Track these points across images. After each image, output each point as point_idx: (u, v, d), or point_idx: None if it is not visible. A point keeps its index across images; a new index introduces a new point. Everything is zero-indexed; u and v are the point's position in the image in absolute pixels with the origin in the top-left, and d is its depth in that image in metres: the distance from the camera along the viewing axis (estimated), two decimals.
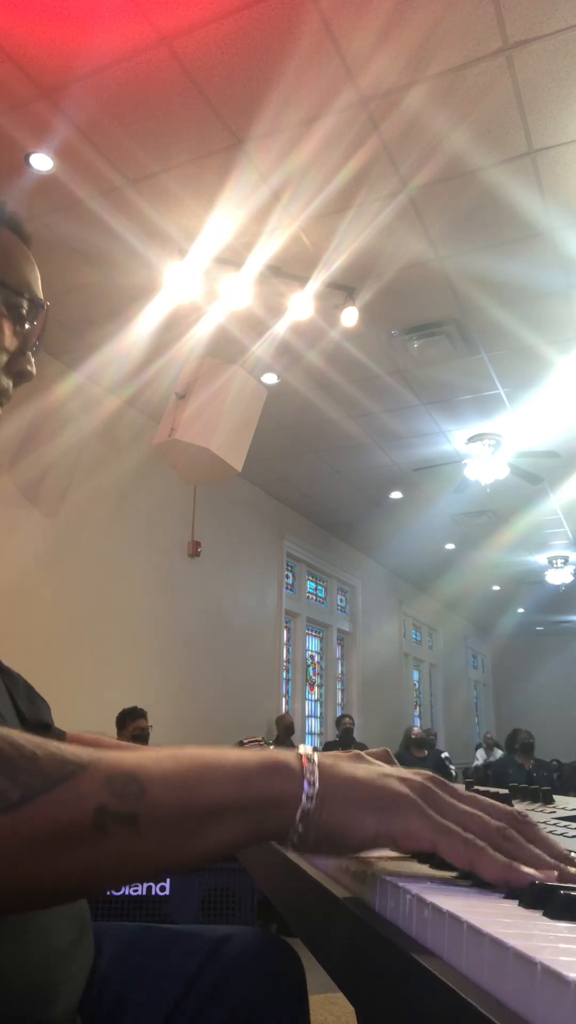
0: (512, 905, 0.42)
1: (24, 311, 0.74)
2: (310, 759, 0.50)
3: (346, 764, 0.51)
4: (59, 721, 0.84)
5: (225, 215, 3.35)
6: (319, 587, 8.40)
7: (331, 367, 4.72)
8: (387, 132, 2.91)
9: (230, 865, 2.50)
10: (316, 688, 8.15)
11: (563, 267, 3.70)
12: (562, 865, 0.47)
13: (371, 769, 0.51)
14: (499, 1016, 0.30)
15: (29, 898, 0.44)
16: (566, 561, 9.11)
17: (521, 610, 12.26)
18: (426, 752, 7.42)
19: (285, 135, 2.93)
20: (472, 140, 2.93)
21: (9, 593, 4.11)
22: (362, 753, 0.56)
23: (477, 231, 3.47)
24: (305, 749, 0.51)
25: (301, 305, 3.78)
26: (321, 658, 8.31)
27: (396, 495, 7.14)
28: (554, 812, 0.80)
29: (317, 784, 0.48)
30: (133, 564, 5.17)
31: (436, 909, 0.39)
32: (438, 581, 10.32)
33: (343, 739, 7.18)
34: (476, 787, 0.88)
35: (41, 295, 0.76)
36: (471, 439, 5.76)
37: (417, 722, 10.50)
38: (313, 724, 8.01)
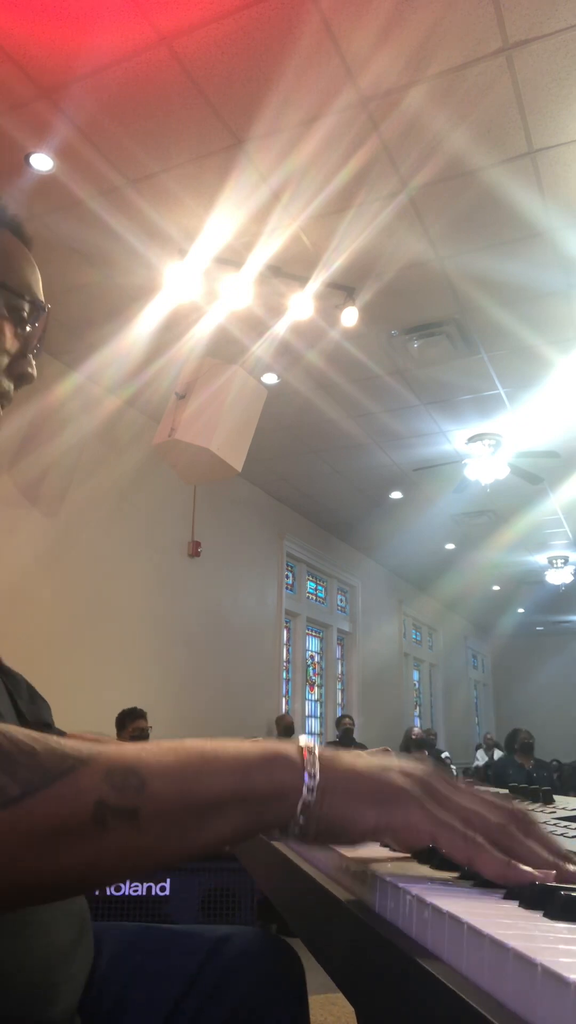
0: (512, 906, 0.42)
1: (25, 313, 0.74)
2: (311, 751, 0.49)
3: (346, 756, 0.51)
4: (59, 721, 0.84)
5: (225, 215, 3.35)
6: (319, 587, 8.39)
7: (331, 367, 4.72)
8: (387, 132, 2.91)
9: (230, 865, 2.50)
10: (316, 688, 8.15)
11: (563, 267, 3.70)
12: (561, 863, 0.47)
13: (372, 762, 0.51)
14: (499, 1017, 0.29)
15: (29, 893, 0.44)
16: (566, 561, 9.11)
17: (521, 610, 12.26)
18: (426, 753, 7.42)
19: (285, 135, 2.93)
20: (472, 140, 2.93)
21: (9, 593, 4.11)
22: (362, 754, 0.56)
23: (477, 231, 3.46)
24: (305, 740, 0.51)
25: (301, 305, 3.78)
26: (321, 658, 8.31)
27: (396, 495, 7.14)
28: (554, 812, 0.80)
29: (318, 776, 0.48)
30: (133, 564, 5.17)
31: (436, 910, 0.39)
32: (438, 581, 10.32)
33: (343, 739, 7.18)
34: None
35: (42, 297, 0.76)
36: (471, 439, 5.76)
37: (417, 722, 10.50)
38: (313, 724, 8.00)
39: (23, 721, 0.74)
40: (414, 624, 11.09)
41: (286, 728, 6.36)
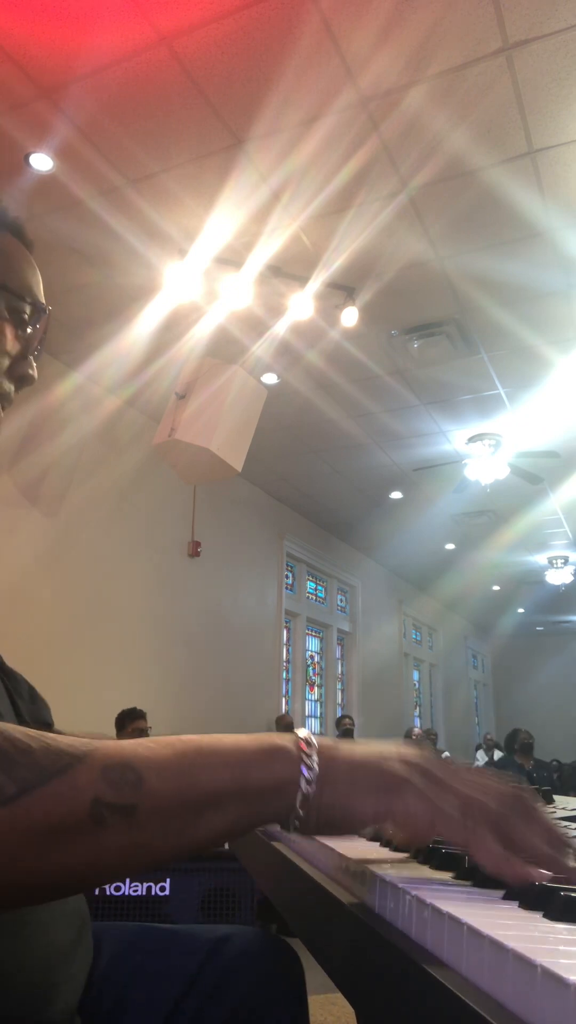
0: (512, 906, 0.42)
1: (26, 315, 0.74)
2: (309, 743, 0.49)
3: (345, 746, 0.51)
4: (59, 721, 0.84)
5: (225, 215, 3.35)
6: (319, 587, 8.39)
7: (331, 367, 4.71)
8: (387, 132, 2.91)
9: (230, 865, 2.50)
10: (316, 688, 8.15)
11: (563, 267, 3.70)
12: (559, 856, 0.47)
13: (371, 750, 0.51)
14: (499, 1018, 0.29)
15: (28, 892, 0.44)
16: (566, 561, 9.10)
17: (521, 610, 12.25)
18: None
19: (285, 135, 2.93)
20: (472, 140, 2.93)
21: (9, 593, 4.11)
22: (361, 742, 0.56)
23: (477, 231, 3.46)
24: (304, 732, 0.51)
25: (301, 305, 3.77)
26: (321, 658, 8.31)
27: (396, 495, 7.13)
28: (554, 812, 0.80)
29: (317, 768, 0.48)
30: (133, 564, 5.17)
31: (436, 911, 0.39)
32: (438, 581, 10.32)
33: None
34: None
35: (43, 299, 0.77)
36: (471, 439, 5.76)
37: (417, 722, 10.50)
38: (313, 724, 8.00)
39: (23, 721, 0.74)
40: (414, 624, 11.09)
41: (286, 728, 6.30)
